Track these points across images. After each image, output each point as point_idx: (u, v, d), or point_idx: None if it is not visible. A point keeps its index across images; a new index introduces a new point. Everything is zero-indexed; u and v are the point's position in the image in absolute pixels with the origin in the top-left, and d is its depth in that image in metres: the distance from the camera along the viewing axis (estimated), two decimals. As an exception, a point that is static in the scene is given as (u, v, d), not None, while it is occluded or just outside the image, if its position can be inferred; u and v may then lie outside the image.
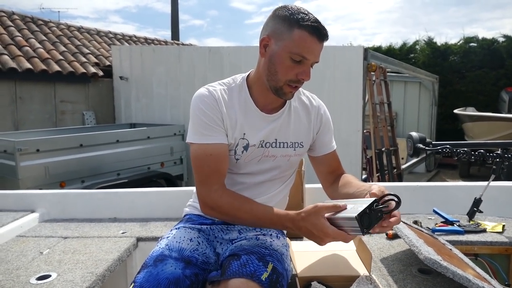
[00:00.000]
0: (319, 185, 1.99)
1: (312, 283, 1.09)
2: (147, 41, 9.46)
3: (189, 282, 1.00)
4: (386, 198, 0.98)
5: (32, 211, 1.92)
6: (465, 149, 1.64)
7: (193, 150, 1.15)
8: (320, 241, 0.98)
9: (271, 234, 1.21)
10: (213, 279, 1.00)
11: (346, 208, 0.96)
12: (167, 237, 1.17)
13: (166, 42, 10.31)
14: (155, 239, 1.64)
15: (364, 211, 0.90)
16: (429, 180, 7.70)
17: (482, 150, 1.61)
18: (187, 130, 6.32)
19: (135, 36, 9.31)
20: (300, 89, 1.29)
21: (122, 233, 1.71)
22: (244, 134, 1.18)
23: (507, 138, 5.42)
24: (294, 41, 1.05)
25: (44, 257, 1.44)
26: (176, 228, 1.23)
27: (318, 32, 1.05)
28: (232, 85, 1.21)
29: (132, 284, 0.99)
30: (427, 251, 1.10)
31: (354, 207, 0.94)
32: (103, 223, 1.85)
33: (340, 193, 1.23)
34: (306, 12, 1.08)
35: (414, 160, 7.25)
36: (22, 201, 1.96)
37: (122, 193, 2.00)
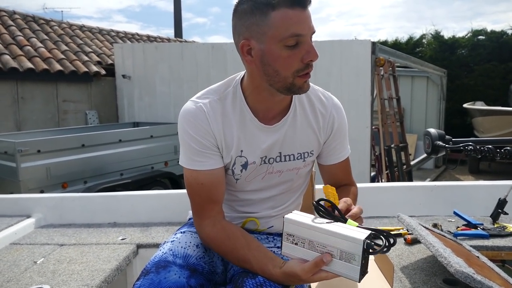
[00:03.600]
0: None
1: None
2: (150, 39, 9.37)
3: None
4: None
5: (28, 216, 1.83)
6: (490, 146, 1.51)
7: (185, 175, 1.03)
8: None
9: None
10: None
11: (331, 259, 0.80)
12: (171, 241, 1.05)
13: (169, 40, 10.21)
14: (157, 245, 1.54)
15: (362, 269, 0.78)
16: (438, 176, 7.56)
17: (508, 148, 1.49)
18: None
19: (138, 34, 9.22)
20: (311, 85, 1.09)
21: (122, 239, 1.61)
22: (242, 151, 1.02)
23: (520, 133, 5.27)
24: (278, 25, 0.87)
25: (37, 267, 1.35)
26: (181, 232, 1.11)
27: (297, 0, 0.87)
28: (225, 93, 1.03)
29: None
30: (457, 263, 0.98)
31: (342, 252, 0.80)
32: (102, 229, 1.76)
33: None
34: None
35: (423, 156, 7.10)
36: (17, 205, 1.87)
37: (121, 197, 1.90)
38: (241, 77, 1.05)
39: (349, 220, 0.84)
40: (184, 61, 5.63)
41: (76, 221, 1.85)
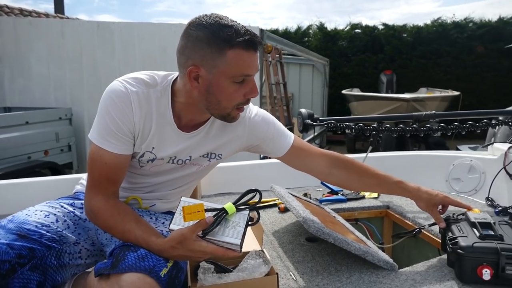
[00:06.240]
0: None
1: (201, 263, 1.06)
2: (23, 13, 8.28)
3: (14, 255, 0.92)
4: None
5: None
6: (347, 123, 1.76)
7: (91, 149, 1.03)
8: (198, 259, 0.99)
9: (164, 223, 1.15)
10: (102, 272, 0.90)
11: (212, 222, 0.90)
12: (28, 209, 1.07)
13: (47, 15, 9.16)
14: None
15: (244, 234, 0.91)
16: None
17: (361, 124, 1.76)
18: (74, 113, 5.52)
19: (7, 7, 8.07)
20: None
21: None
22: (153, 148, 1.06)
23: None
24: (231, 64, 0.93)
25: None
26: (47, 202, 1.12)
27: (253, 43, 0.95)
28: (154, 88, 1.04)
29: None
30: (311, 220, 1.15)
31: (228, 221, 0.93)
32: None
33: (363, 184, 1.34)
34: (228, 24, 0.93)
35: (309, 137, 7.75)
36: None
37: None
38: (173, 78, 1.06)
39: (227, 206, 0.94)
40: (65, 40, 5.14)
41: None
